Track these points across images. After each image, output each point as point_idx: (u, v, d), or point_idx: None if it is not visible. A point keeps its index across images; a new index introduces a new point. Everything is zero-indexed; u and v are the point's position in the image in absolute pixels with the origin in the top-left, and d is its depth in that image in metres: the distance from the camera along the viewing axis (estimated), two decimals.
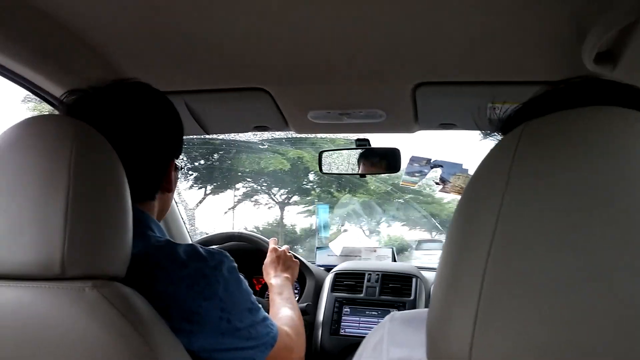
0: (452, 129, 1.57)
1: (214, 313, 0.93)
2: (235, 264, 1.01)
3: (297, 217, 8.79)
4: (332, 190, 8.14)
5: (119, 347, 0.72)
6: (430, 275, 2.01)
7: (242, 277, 1.02)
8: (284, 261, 1.60)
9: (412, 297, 1.81)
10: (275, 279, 1.52)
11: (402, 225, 8.23)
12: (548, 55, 1.19)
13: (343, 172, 1.81)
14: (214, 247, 1.86)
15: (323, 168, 1.81)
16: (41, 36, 1.17)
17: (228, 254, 1.00)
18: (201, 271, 0.94)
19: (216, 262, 0.96)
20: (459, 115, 1.51)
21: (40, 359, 0.72)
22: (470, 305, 0.43)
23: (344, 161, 1.80)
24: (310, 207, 8.07)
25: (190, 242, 1.65)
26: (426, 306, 1.80)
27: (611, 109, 0.45)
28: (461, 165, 1.85)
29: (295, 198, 8.45)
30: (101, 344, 0.72)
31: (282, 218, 8.16)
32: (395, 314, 0.74)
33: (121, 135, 0.87)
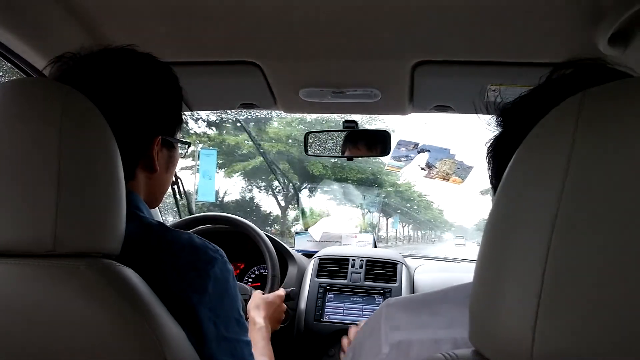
0: (446, 111, 1.54)
1: (202, 311, 0.87)
2: (231, 267, 0.94)
3: None
4: None
5: (117, 327, 0.68)
6: (413, 263, 2.00)
7: (235, 283, 0.95)
8: (278, 311, 1.54)
9: (397, 284, 1.79)
10: (261, 319, 1.44)
11: None
12: (556, 35, 1.17)
13: (330, 154, 1.76)
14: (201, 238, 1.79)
15: (309, 150, 1.76)
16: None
17: (224, 253, 0.94)
18: (193, 264, 0.88)
19: (210, 257, 0.90)
20: (456, 97, 1.49)
21: (29, 340, 0.67)
22: (532, 286, 0.40)
23: (330, 143, 1.75)
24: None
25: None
26: (412, 293, 1.78)
27: None
28: (449, 150, 1.83)
29: None
30: (98, 325, 0.67)
31: None
32: (390, 300, 0.73)
33: (101, 103, 0.77)
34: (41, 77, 1.25)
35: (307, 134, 1.76)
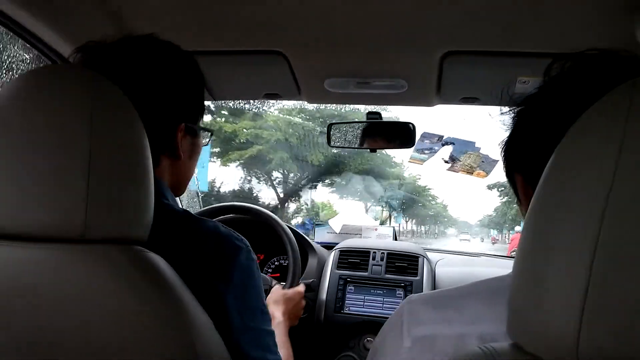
0: (473, 103, 1.53)
1: (229, 300, 0.87)
2: (255, 257, 0.94)
3: None
4: None
5: (147, 314, 0.67)
6: (434, 256, 1.99)
7: (259, 273, 0.95)
8: (297, 308, 1.55)
9: (418, 277, 1.78)
10: (280, 314, 1.45)
11: None
12: (591, 24, 1.15)
13: (353, 146, 1.74)
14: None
15: (332, 141, 1.74)
16: None
17: (248, 243, 0.94)
18: (218, 252, 0.88)
19: (235, 246, 0.90)
20: (484, 89, 1.47)
21: (58, 325, 0.66)
22: (579, 278, 0.39)
23: (353, 135, 1.73)
24: None
25: None
26: (433, 287, 1.78)
27: None
28: (474, 143, 1.81)
29: None
30: (127, 311, 0.66)
31: None
32: (412, 296, 0.73)
33: (124, 90, 0.76)
34: (62, 61, 1.25)
35: (330, 125, 1.74)
